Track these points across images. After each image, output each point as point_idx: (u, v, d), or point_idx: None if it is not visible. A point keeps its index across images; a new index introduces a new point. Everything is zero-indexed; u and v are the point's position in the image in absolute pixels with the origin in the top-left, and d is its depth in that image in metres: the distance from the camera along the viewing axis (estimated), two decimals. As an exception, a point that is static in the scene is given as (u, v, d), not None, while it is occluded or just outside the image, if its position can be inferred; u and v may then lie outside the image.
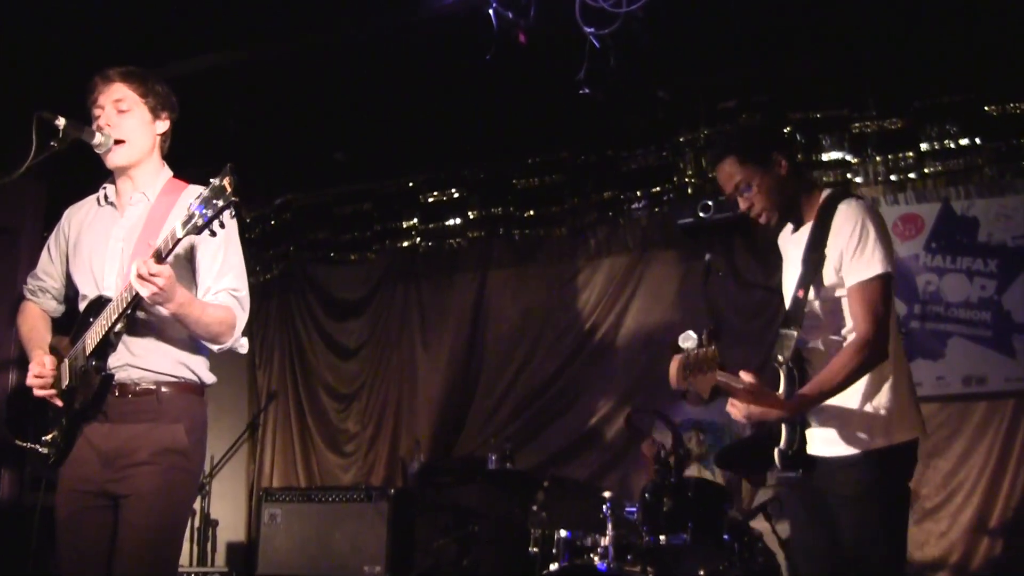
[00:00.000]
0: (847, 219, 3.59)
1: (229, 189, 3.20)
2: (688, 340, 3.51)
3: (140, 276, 3.29)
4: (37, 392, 3.69)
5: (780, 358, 3.61)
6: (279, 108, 7.12)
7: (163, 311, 3.54)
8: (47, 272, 3.95)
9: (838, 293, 3.61)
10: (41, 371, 3.68)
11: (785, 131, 4.16)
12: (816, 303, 3.65)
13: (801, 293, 3.64)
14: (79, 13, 5.66)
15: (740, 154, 3.76)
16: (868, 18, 6.25)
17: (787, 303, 3.76)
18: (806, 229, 3.74)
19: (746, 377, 3.47)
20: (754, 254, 7.43)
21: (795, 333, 3.62)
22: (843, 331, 3.61)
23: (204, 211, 3.21)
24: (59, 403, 3.68)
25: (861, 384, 3.54)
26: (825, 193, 3.77)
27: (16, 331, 4.03)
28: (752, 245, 7.43)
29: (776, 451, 3.59)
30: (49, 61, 5.87)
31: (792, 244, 3.82)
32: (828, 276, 3.61)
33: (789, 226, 3.86)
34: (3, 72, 5.94)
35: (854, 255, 3.55)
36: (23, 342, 3.93)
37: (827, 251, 3.61)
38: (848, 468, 3.52)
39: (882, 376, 3.55)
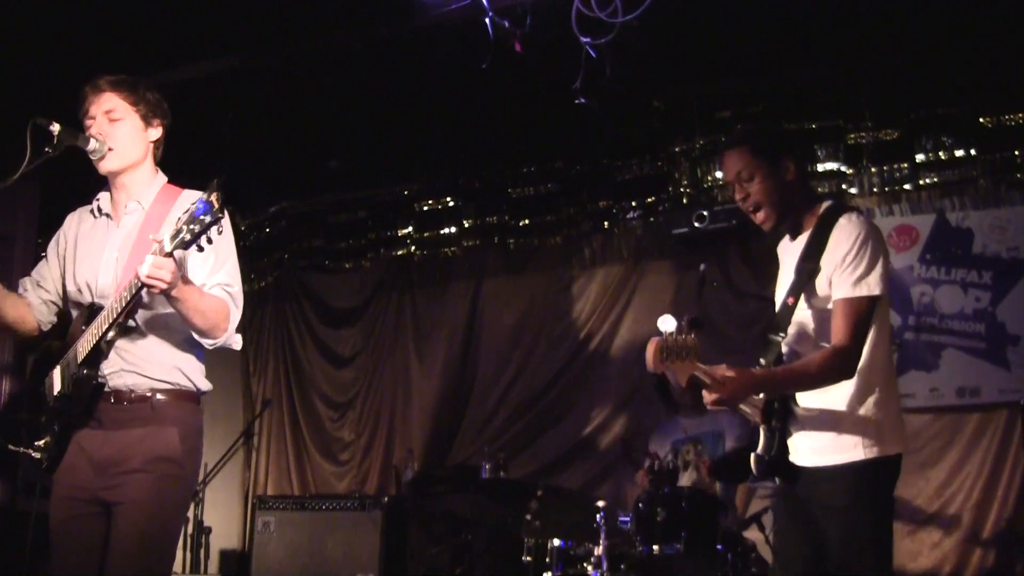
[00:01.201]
0: (847, 233, 3.58)
1: (216, 205, 3.20)
2: (666, 323, 3.50)
3: (149, 279, 3.29)
4: None
5: (763, 362, 3.62)
6: (274, 116, 7.11)
7: (161, 313, 3.58)
8: (42, 274, 3.94)
9: (829, 305, 3.61)
10: None
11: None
12: (807, 312, 3.65)
13: (791, 300, 3.64)
14: (74, 20, 5.66)
15: (752, 145, 3.76)
16: (864, 29, 6.26)
17: (777, 309, 3.77)
18: (803, 238, 3.74)
19: (726, 372, 3.48)
20: (749, 264, 7.43)
21: (780, 339, 3.62)
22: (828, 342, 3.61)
23: (192, 227, 3.21)
24: (58, 388, 3.67)
25: (848, 394, 3.54)
26: (826, 204, 3.76)
27: (12, 339, 4.03)
28: (747, 255, 7.43)
29: (752, 456, 3.60)
30: (43, 67, 5.87)
31: (788, 253, 3.82)
32: (821, 287, 3.61)
33: (788, 235, 3.86)
34: (-1, 78, 5.95)
35: (846, 270, 3.53)
36: None
37: (822, 262, 3.60)
38: (835, 478, 3.52)
39: (870, 387, 3.54)
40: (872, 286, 3.52)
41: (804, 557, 3.62)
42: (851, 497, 3.48)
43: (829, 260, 3.59)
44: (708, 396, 3.53)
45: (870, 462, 3.50)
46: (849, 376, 3.50)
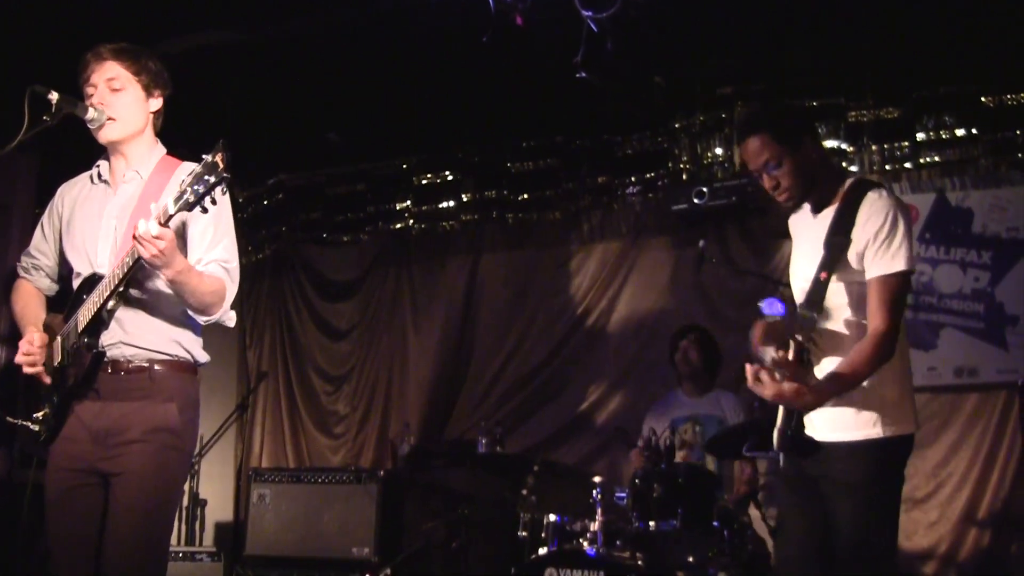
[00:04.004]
0: (878, 209, 3.57)
1: (221, 165, 3.18)
2: (772, 307, 3.53)
3: (143, 237, 3.27)
4: (26, 369, 3.67)
5: (799, 338, 3.58)
6: (273, 88, 7.09)
7: (159, 284, 3.56)
8: (40, 250, 3.94)
9: (859, 279, 3.60)
10: (29, 348, 3.66)
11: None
12: (839, 286, 3.64)
13: (824, 275, 3.61)
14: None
15: (774, 132, 3.70)
16: (866, 7, 6.23)
17: (802, 284, 3.74)
18: (829, 213, 3.71)
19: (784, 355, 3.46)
20: (748, 241, 7.42)
21: (816, 315, 3.60)
22: (860, 316, 3.61)
23: (196, 187, 3.20)
24: (47, 380, 3.67)
25: None
26: (850, 181, 3.75)
27: (9, 308, 4.02)
28: (746, 232, 7.42)
29: (776, 431, 3.58)
30: (42, 36, 5.83)
31: (810, 226, 3.79)
32: (853, 261, 3.59)
33: (805, 207, 3.83)
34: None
35: (880, 247, 3.53)
36: (16, 320, 3.91)
37: (853, 236, 3.59)
38: (851, 455, 3.53)
39: (889, 366, 3.54)
40: (906, 261, 3.53)
41: (809, 534, 3.62)
42: (867, 474, 3.50)
43: (860, 235, 3.58)
44: (766, 391, 3.46)
45: (887, 440, 3.51)
46: (891, 355, 3.50)
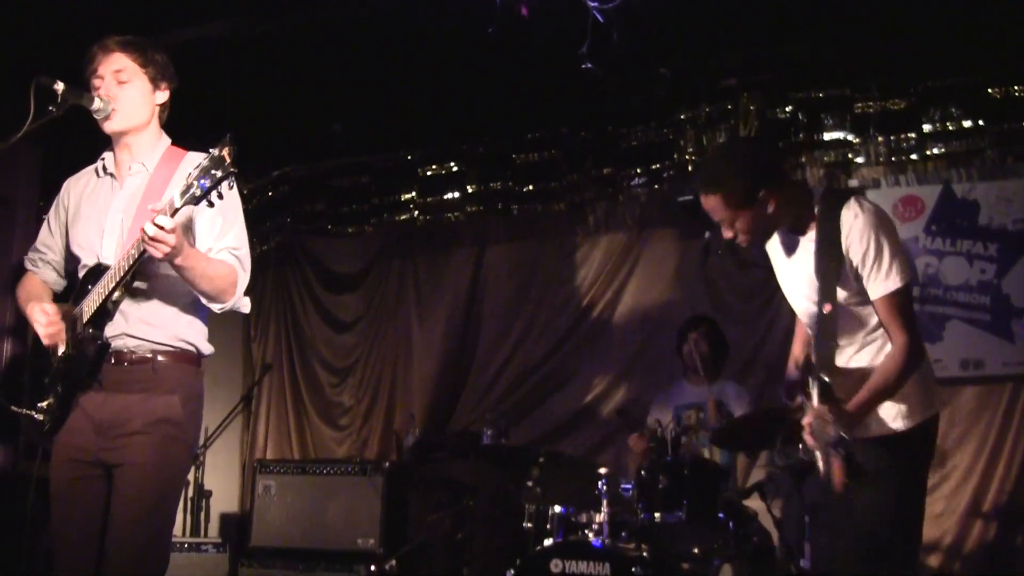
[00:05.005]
0: (858, 232, 3.59)
1: (228, 159, 3.18)
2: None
3: (154, 238, 3.26)
4: (47, 339, 3.66)
5: (826, 379, 3.56)
6: (277, 80, 7.07)
7: (164, 276, 3.56)
8: (47, 244, 3.94)
9: (854, 299, 3.65)
10: (48, 319, 3.65)
11: (777, 149, 4.03)
12: (843, 310, 3.67)
13: (828, 308, 3.63)
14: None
15: (725, 197, 3.69)
16: (873, -2, 6.22)
17: (802, 310, 3.83)
18: (809, 239, 3.73)
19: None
20: (753, 233, 7.39)
21: (834, 346, 3.63)
22: (861, 334, 3.68)
23: (203, 182, 3.20)
24: (62, 348, 3.66)
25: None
26: (818, 197, 3.74)
27: (15, 300, 4.02)
28: (752, 224, 7.39)
29: (801, 446, 3.62)
30: (46, 27, 5.82)
31: (792, 251, 3.82)
32: (848, 283, 3.64)
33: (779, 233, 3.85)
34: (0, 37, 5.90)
35: (873, 270, 3.57)
36: (21, 308, 3.91)
37: (844, 259, 3.63)
38: (872, 447, 3.56)
39: None
40: (904, 274, 3.58)
41: (843, 524, 3.66)
42: (881, 466, 3.53)
43: (847, 256, 3.62)
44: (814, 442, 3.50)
45: (907, 432, 3.58)
46: (922, 360, 3.59)
